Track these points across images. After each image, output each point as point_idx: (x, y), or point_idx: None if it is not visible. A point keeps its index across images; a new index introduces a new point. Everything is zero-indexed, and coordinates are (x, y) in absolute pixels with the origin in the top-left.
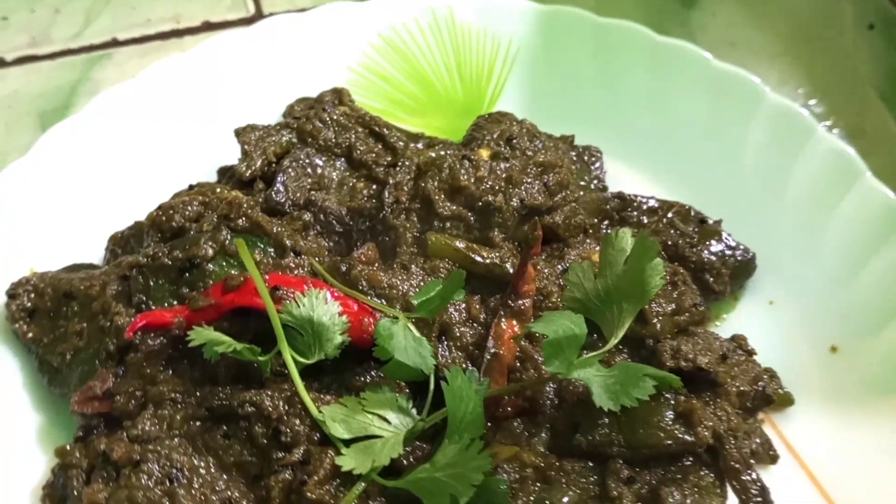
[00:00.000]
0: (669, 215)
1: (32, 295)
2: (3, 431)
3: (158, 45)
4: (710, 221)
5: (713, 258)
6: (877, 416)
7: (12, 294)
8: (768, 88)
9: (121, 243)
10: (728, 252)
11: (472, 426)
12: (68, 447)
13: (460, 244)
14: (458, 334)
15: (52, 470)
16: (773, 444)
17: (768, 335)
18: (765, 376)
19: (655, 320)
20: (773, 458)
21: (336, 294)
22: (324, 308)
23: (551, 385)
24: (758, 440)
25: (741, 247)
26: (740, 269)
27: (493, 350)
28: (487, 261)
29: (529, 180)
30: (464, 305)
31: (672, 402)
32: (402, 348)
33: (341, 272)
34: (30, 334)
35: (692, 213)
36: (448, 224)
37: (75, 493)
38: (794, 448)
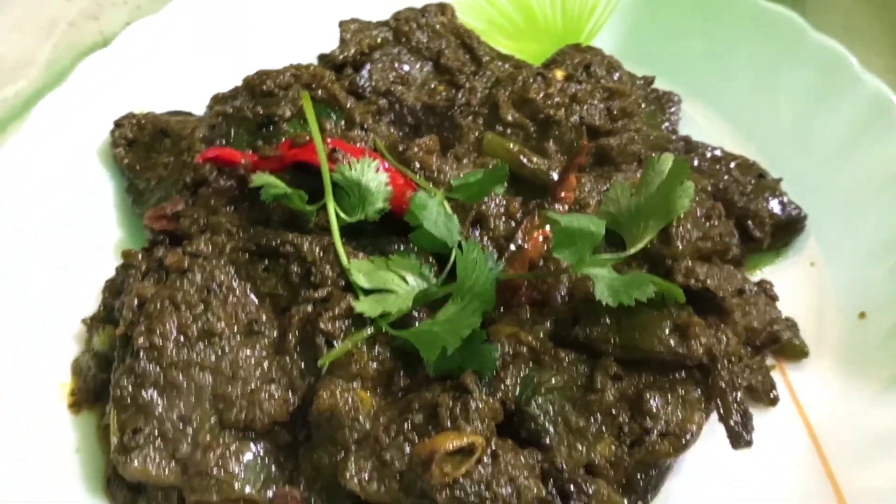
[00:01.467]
0: (731, 165)
1: (135, 127)
2: (90, 238)
3: None
4: (770, 178)
5: (760, 208)
6: (888, 390)
7: (119, 123)
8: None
9: (220, 101)
10: (778, 207)
11: (478, 297)
12: (133, 251)
13: (513, 146)
14: (492, 225)
15: (115, 269)
16: (776, 388)
17: (801, 293)
18: (783, 323)
19: (679, 242)
20: (773, 401)
21: (387, 167)
22: (372, 175)
23: (565, 284)
24: (760, 378)
25: (793, 205)
26: (787, 226)
27: (519, 243)
28: (535, 166)
29: (594, 102)
30: (503, 201)
31: (674, 315)
32: (431, 219)
33: (398, 151)
34: (126, 160)
35: (753, 167)
36: (509, 130)
37: (129, 287)
38: (798, 399)
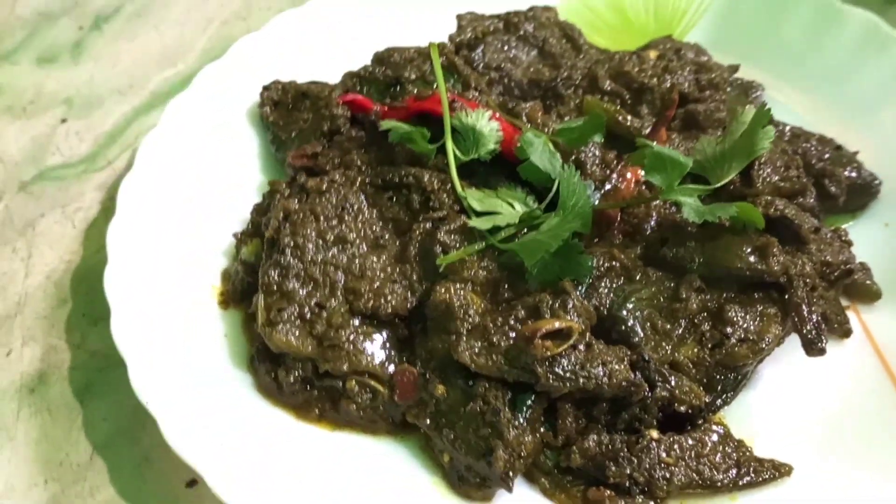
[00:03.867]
0: (811, 140)
1: (280, 91)
2: (238, 177)
3: None
4: (847, 151)
5: (836, 170)
6: None
7: (266, 87)
8: None
9: (352, 77)
10: (854, 172)
11: (578, 216)
12: (278, 181)
13: (610, 106)
14: (589, 171)
15: (262, 195)
16: (849, 320)
17: (876, 251)
18: (857, 265)
19: (759, 182)
20: (846, 332)
21: (498, 117)
22: (485, 122)
23: (655, 214)
24: (833, 311)
25: (869, 172)
26: (862, 189)
27: (614, 182)
28: (629, 123)
29: (684, 73)
30: (600, 152)
31: (753, 238)
32: (538, 154)
33: (507, 108)
34: (271, 118)
35: (831, 142)
36: (606, 98)
37: (276, 204)
38: (873, 335)
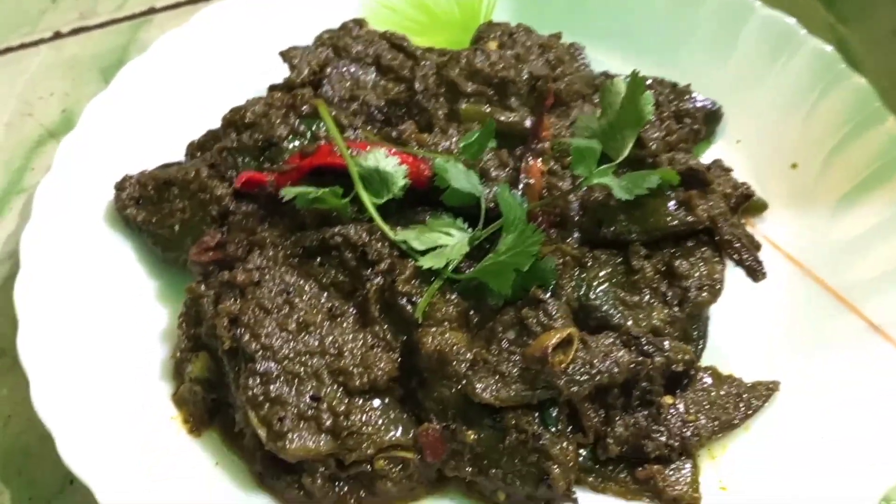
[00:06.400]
0: (648, 82)
1: (137, 186)
2: (129, 295)
3: (191, 9)
4: (680, 85)
5: (688, 107)
6: (840, 207)
7: (120, 187)
8: None
9: (198, 148)
10: (700, 103)
11: (529, 230)
12: (194, 285)
13: (487, 108)
14: (493, 176)
15: (183, 303)
16: (755, 237)
17: (742, 167)
18: (743, 186)
19: (651, 143)
20: (757, 246)
21: (393, 151)
22: (386, 160)
23: (575, 200)
24: (743, 233)
25: (709, 100)
26: (711, 116)
27: (525, 181)
28: (510, 119)
29: (534, 58)
30: (494, 155)
31: (673, 195)
32: (456, 178)
33: (392, 138)
34: (139, 217)
35: (664, 82)
36: (472, 99)
37: (210, 312)
38: (773, 240)
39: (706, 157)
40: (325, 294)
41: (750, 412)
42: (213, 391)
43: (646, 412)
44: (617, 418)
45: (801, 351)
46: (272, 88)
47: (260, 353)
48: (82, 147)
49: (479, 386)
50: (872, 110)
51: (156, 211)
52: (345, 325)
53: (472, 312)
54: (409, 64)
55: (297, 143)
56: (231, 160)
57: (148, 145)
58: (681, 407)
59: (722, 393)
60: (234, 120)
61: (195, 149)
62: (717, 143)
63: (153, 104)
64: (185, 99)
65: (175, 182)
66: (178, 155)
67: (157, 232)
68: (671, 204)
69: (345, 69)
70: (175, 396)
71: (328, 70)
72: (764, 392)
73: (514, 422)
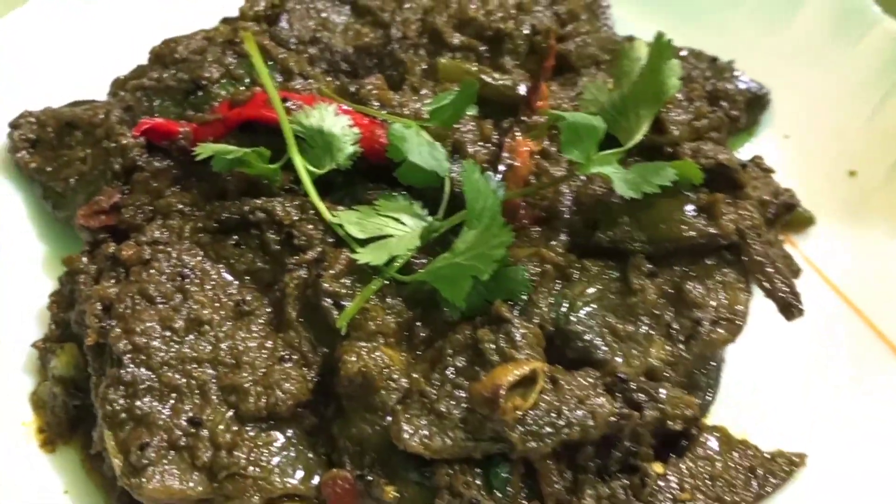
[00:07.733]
0: (683, 53)
1: (35, 126)
2: (11, 259)
3: None
4: (722, 61)
5: (729, 88)
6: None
7: (15, 125)
8: None
9: (124, 85)
10: (743, 84)
11: (498, 226)
12: (75, 256)
13: (472, 66)
14: (471, 152)
15: (58, 279)
16: (794, 260)
17: (787, 169)
18: (786, 193)
19: (673, 127)
20: (796, 273)
21: (346, 109)
22: (334, 119)
23: (569, 191)
24: (780, 253)
25: (754, 81)
26: (755, 102)
27: (508, 161)
28: (499, 82)
29: (540, 9)
30: (474, 125)
31: (693, 198)
32: (415, 150)
33: (350, 93)
34: (33, 164)
35: (702, 54)
36: (458, 55)
37: (84, 294)
38: (816, 265)
39: (743, 153)
40: (236, 284)
41: (764, 492)
42: (77, 395)
43: (626, 481)
44: (587, 487)
45: (841, 411)
46: (224, 21)
47: (130, 354)
48: None
49: (406, 428)
50: None
51: (53, 158)
52: (253, 326)
53: (418, 324)
54: (392, 6)
55: (231, 89)
56: (147, 103)
57: (66, 78)
58: (672, 479)
59: (730, 464)
60: (163, 54)
61: (119, 86)
62: (760, 136)
63: (80, 28)
64: (123, 25)
65: (79, 124)
66: (103, 93)
67: (49, 184)
68: (689, 208)
69: (312, 5)
70: (33, 396)
71: (290, 3)
72: (785, 467)
73: (448, 480)
